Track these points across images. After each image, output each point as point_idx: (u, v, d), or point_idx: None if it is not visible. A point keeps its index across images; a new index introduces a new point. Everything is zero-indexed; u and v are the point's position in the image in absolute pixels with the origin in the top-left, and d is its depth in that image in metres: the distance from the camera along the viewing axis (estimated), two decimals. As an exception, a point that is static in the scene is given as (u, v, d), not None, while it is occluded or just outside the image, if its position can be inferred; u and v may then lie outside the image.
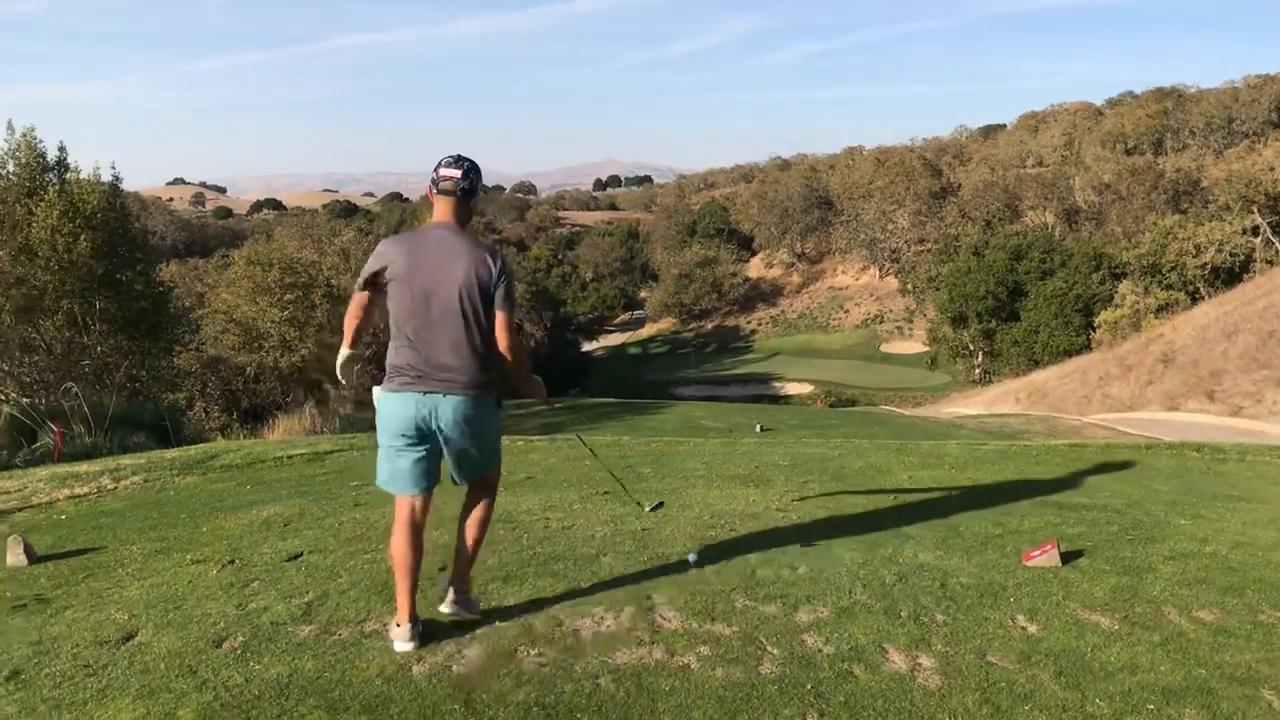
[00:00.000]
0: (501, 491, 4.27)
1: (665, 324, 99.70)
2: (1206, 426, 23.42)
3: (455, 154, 3.60)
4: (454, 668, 3.35)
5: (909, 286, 75.51)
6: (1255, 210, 51.24)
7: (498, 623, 3.74)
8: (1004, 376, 50.78)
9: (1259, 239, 50.44)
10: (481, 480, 3.78)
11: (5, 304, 16.80)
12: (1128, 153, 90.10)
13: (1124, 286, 47.62)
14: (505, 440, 4.02)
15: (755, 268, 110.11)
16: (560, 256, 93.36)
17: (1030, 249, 56.51)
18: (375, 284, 3.56)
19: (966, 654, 3.52)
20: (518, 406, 24.52)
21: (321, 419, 15.72)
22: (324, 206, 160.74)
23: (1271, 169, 51.76)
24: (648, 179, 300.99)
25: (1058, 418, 29.21)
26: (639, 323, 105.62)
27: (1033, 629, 3.77)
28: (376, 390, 3.60)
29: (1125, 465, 7.71)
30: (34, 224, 17.53)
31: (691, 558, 4.50)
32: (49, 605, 4.09)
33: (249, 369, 24.98)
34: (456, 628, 3.67)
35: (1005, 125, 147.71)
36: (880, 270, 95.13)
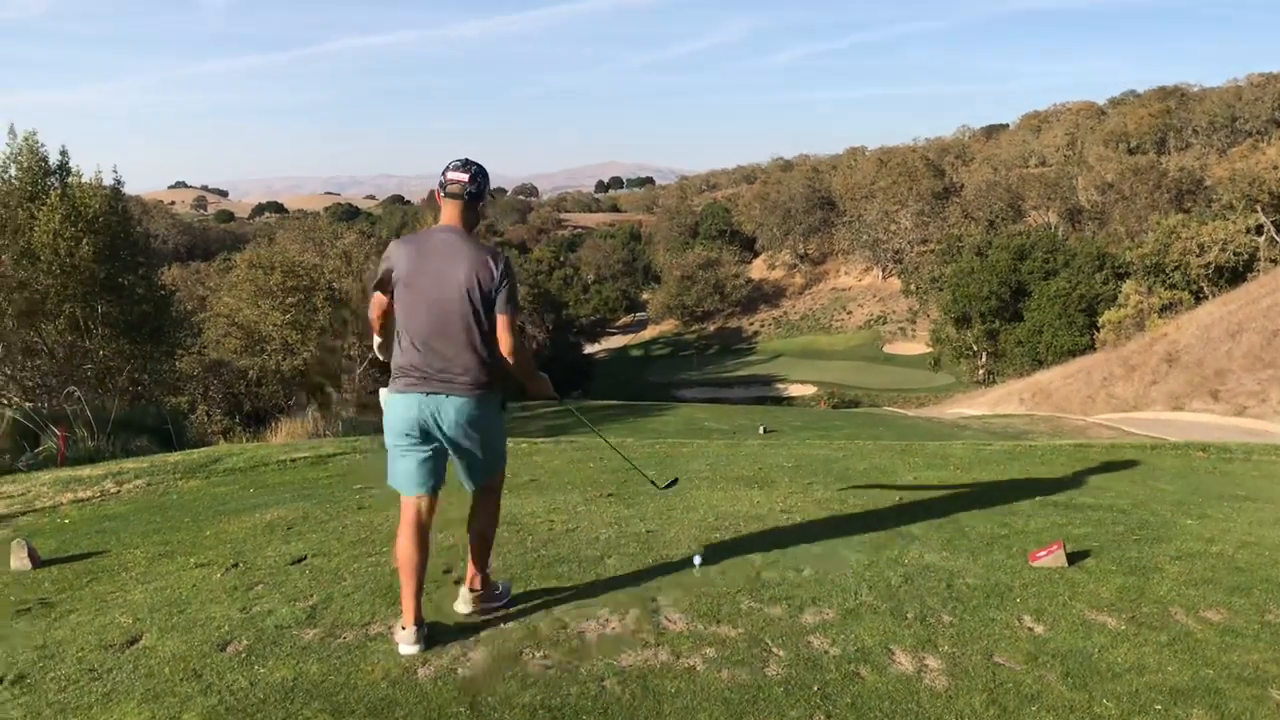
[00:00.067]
0: (505, 494, 4.27)
1: (667, 326, 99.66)
2: (1211, 426, 23.38)
3: (463, 158, 3.63)
4: (459, 670, 3.34)
5: (912, 287, 75.41)
6: (1259, 209, 51.11)
7: (502, 625, 3.73)
8: (1008, 377, 50.72)
9: (1263, 238, 50.35)
10: (487, 482, 3.80)
11: (8, 308, 16.83)
12: (1131, 152, 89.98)
13: (1128, 286, 47.53)
14: (509, 443, 4.02)
15: (758, 269, 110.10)
16: (562, 258, 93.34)
17: (1033, 249, 56.44)
18: (388, 284, 3.60)
19: (973, 655, 3.50)
20: (522, 409, 24.53)
21: (324, 422, 15.72)
22: (326, 209, 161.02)
23: (1275, 167, 51.59)
24: (650, 180, 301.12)
25: (1062, 418, 29.19)
26: (641, 325, 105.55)
27: (1039, 629, 3.76)
28: (383, 391, 3.63)
29: (1130, 465, 7.70)
30: (36, 228, 17.57)
31: (696, 560, 4.49)
32: (53, 609, 4.09)
33: (251, 372, 25.02)
34: (462, 630, 3.67)
35: (1008, 125, 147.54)
36: (883, 271, 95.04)
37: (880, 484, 6.66)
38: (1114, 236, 65.70)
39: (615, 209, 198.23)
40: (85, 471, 7.68)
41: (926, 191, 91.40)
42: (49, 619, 3.97)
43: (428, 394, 3.51)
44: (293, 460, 8.06)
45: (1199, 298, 43.83)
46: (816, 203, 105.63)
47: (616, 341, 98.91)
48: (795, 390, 68.77)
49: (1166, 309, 42.67)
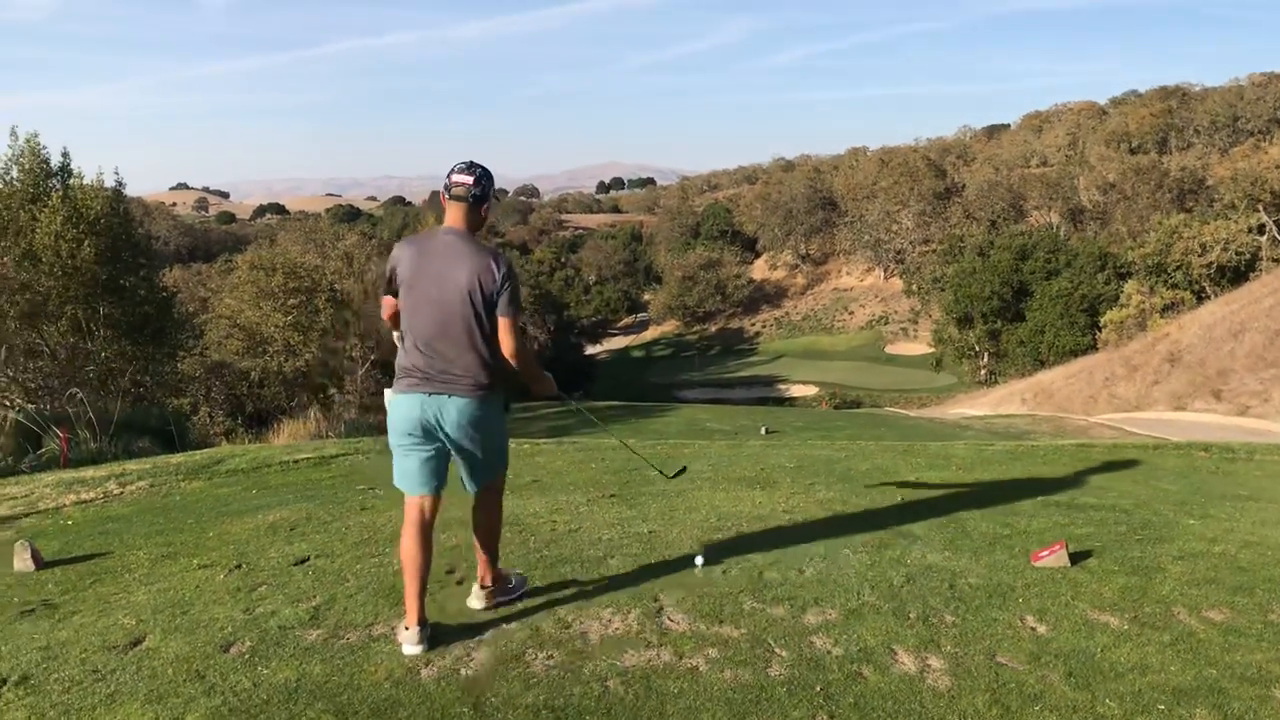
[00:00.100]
0: (508, 495, 4.27)
1: (669, 327, 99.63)
2: (1214, 426, 23.36)
3: (468, 161, 3.65)
4: (463, 671, 3.35)
5: (914, 287, 75.39)
6: (1261, 208, 51.08)
7: (505, 625, 3.74)
8: (1010, 377, 50.68)
9: (1265, 237, 50.32)
10: (488, 484, 3.82)
11: (10, 310, 16.86)
12: (1132, 152, 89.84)
13: (1129, 286, 47.46)
14: (512, 443, 4.02)
15: (759, 269, 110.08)
16: (563, 259, 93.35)
17: (1035, 249, 56.40)
18: (393, 285, 3.65)
19: (976, 655, 3.50)
20: (524, 410, 24.54)
21: (326, 423, 15.73)
22: (327, 211, 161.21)
23: (1277, 167, 51.55)
24: (651, 181, 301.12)
25: (1064, 418, 29.17)
26: (642, 326, 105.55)
27: (1042, 629, 3.76)
28: (388, 392, 3.67)
29: (1133, 465, 7.69)
30: (38, 230, 17.61)
31: (698, 560, 4.49)
32: (57, 610, 4.10)
33: (253, 374, 25.03)
34: (465, 631, 3.67)
35: (1009, 125, 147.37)
36: (885, 271, 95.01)
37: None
38: (1116, 236, 65.62)
39: (616, 210, 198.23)
40: (88, 473, 7.68)
41: (928, 191, 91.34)
42: (52, 620, 3.97)
43: (430, 394, 3.54)
44: (295, 461, 8.06)
45: (1201, 297, 43.78)
46: (818, 203, 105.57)
47: (618, 342, 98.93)
48: (797, 391, 68.75)
49: (1168, 309, 42.60)
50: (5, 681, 3.34)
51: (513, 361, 3.60)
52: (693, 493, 6.25)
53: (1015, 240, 58.88)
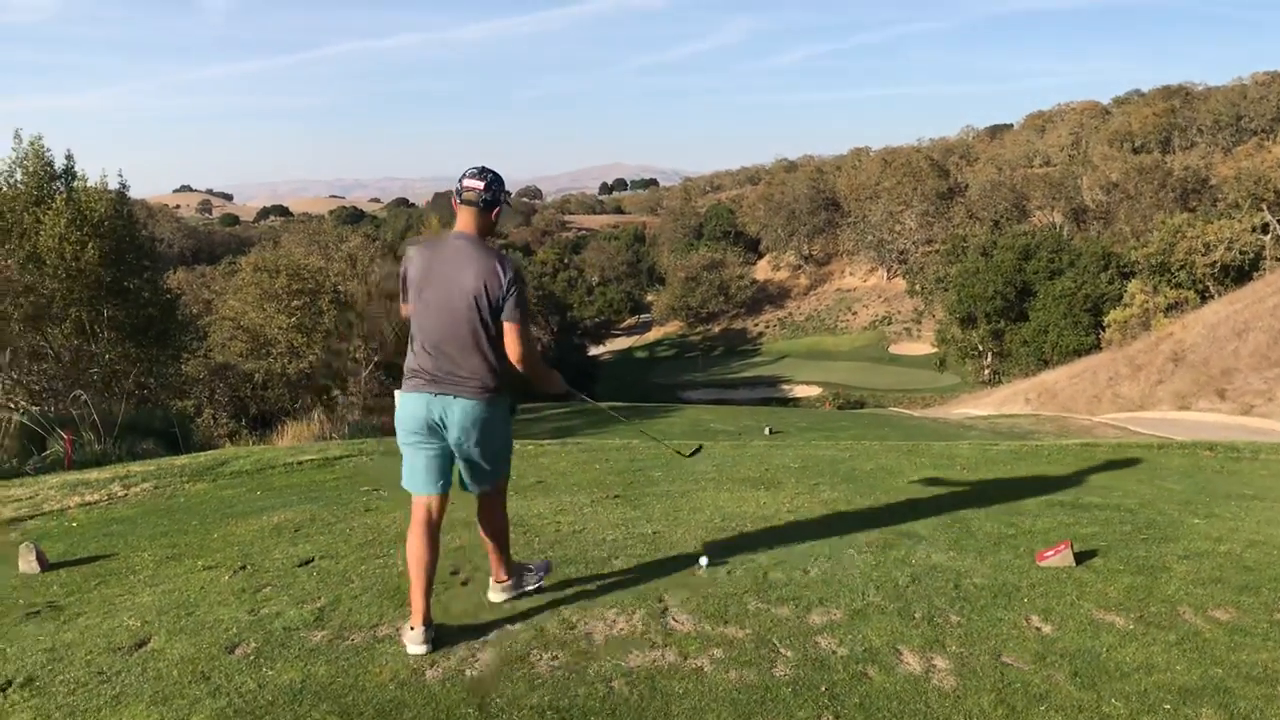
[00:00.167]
0: (512, 495, 4.28)
1: (672, 327, 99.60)
2: (1218, 425, 23.31)
3: (479, 165, 3.71)
4: (468, 671, 3.35)
5: (917, 288, 75.32)
6: (1264, 208, 50.99)
7: (509, 626, 3.74)
8: (1013, 377, 50.61)
9: (1269, 236, 50.22)
10: (490, 486, 3.84)
11: (14, 312, 16.88)
12: (1135, 151, 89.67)
13: (1133, 285, 47.40)
14: (516, 444, 4.02)
15: (762, 270, 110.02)
16: (566, 260, 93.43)
17: (1038, 249, 56.32)
18: (406, 288, 3.68)
19: (981, 655, 3.50)
20: (529, 410, 24.54)
21: (330, 424, 15.76)
22: (330, 212, 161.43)
23: (1280, 166, 51.52)
24: (654, 182, 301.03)
25: (1068, 418, 29.11)
26: (646, 326, 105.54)
27: (1047, 629, 3.75)
28: (398, 394, 3.71)
29: (1137, 465, 7.68)
30: (42, 232, 17.64)
31: (703, 561, 4.49)
32: (62, 612, 4.10)
33: (257, 375, 25.04)
34: (470, 631, 3.68)
35: (1012, 125, 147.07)
36: (888, 271, 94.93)
37: (886, 489, 6.65)
38: (1119, 236, 65.52)
39: (619, 211, 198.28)
40: (92, 475, 7.69)
41: (931, 192, 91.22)
42: (57, 622, 3.98)
43: (437, 394, 3.57)
44: (299, 463, 8.07)
45: (1205, 297, 43.70)
46: (821, 203, 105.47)
47: (621, 343, 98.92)
48: (800, 391, 68.70)
49: (1172, 308, 42.54)
50: (11, 683, 3.35)
51: (519, 366, 3.63)
52: (697, 493, 6.25)
53: (1018, 240, 58.82)
